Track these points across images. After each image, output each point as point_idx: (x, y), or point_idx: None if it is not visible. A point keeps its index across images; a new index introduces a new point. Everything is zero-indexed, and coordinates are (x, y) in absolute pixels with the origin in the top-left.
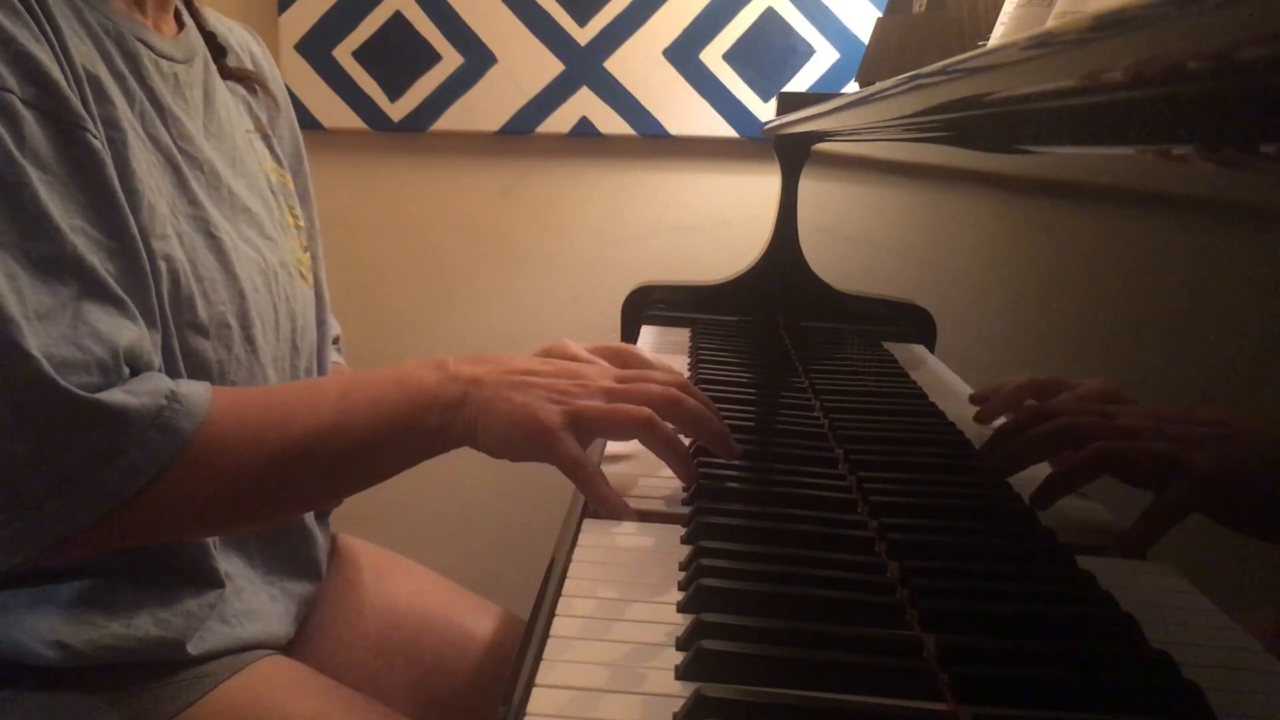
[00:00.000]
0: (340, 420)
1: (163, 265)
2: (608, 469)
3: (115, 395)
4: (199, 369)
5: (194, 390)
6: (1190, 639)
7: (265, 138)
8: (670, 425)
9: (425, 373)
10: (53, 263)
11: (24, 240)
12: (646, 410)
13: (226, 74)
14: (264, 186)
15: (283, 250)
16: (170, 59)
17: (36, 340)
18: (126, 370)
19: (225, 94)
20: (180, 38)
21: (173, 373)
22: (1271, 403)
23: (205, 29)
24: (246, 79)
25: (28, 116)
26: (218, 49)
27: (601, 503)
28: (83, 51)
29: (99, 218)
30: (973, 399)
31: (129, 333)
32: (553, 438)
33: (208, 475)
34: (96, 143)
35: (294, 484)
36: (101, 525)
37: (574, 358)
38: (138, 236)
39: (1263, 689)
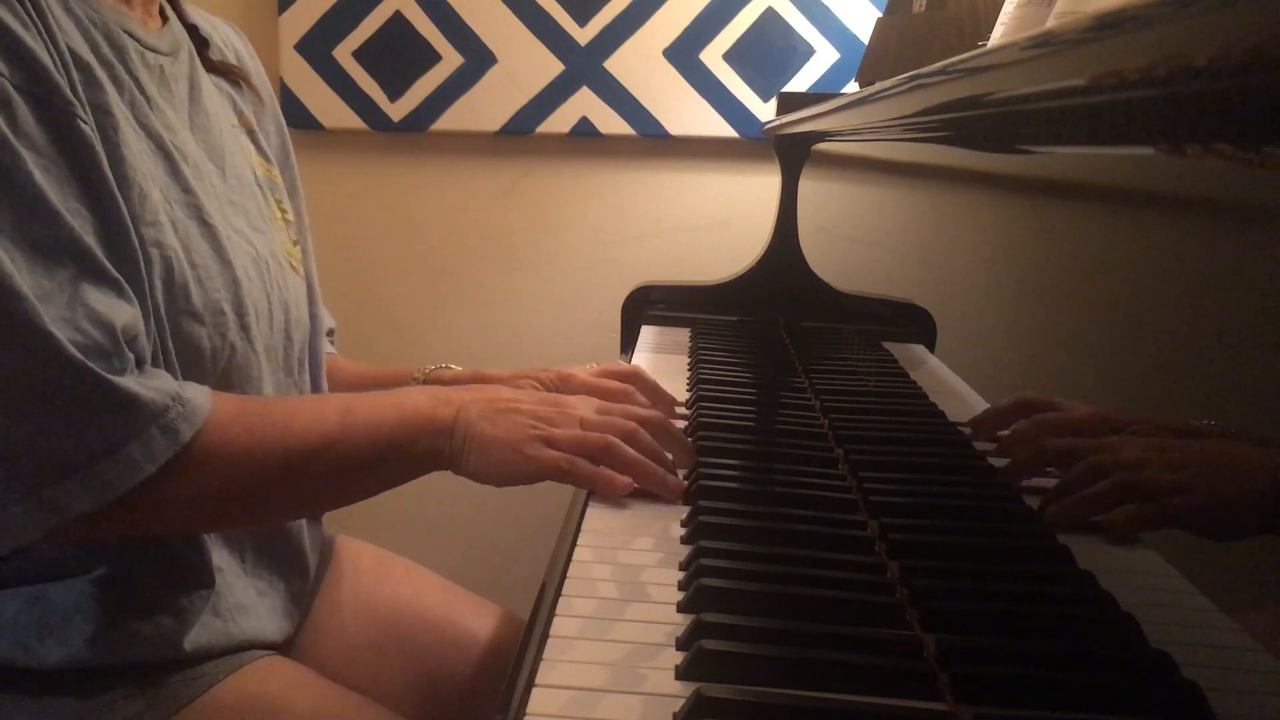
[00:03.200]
0: (342, 434)
1: (155, 252)
2: None
3: (128, 381)
4: (193, 356)
5: (196, 395)
6: (1190, 639)
7: (250, 133)
8: (634, 451)
9: (420, 398)
10: (50, 245)
11: (21, 223)
12: (606, 436)
13: (210, 67)
14: (250, 180)
15: (272, 242)
16: (156, 51)
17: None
18: (127, 352)
19: (210, 88)
20: (165, 31)
21: (165, 361)
22: (1273, 402)
23: (187, 21)
24: (230, 73)
25: (20, 101)
26: (200, 40)
27: (601, 486)
28: (72, 40)
29: (92, 202)
30: (973, 432)
31: (124, 313)
32: (529, 458)
33: (208, 478)
34: (87, 128)
35: (287, 493)
36: (100, 516)
37: (581, 384)
38: (129, 222)
39: (1263, 689)
